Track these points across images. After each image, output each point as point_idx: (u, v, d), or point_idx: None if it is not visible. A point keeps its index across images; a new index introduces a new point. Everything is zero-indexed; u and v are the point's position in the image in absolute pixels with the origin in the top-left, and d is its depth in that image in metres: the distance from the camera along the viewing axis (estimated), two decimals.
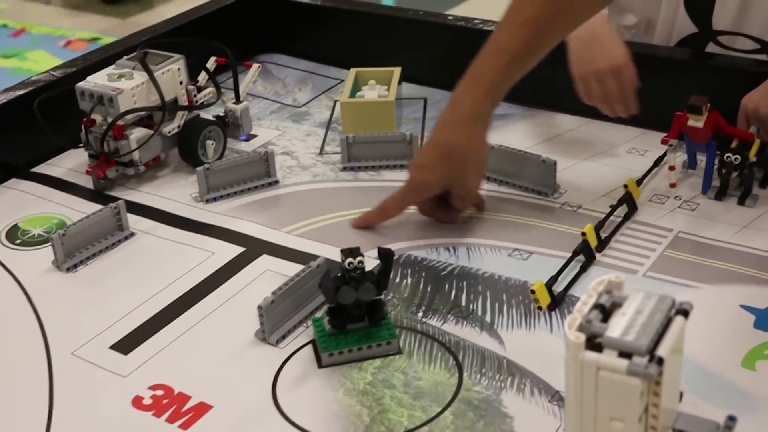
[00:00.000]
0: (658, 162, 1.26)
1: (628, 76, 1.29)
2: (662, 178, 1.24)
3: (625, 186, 1.18)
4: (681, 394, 0.74)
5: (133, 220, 1.20)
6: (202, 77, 1.37)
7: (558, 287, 1.04)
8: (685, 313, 0.68)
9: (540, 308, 1.00)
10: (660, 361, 0.64)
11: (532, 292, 1.00)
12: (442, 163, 1.13)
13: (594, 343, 0.67)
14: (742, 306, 1.01)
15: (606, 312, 0.69)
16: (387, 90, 1.40)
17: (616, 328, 0.66)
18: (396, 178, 1.29)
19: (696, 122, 1.19)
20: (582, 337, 0.66)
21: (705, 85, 1.26)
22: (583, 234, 1.09)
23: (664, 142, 1.21)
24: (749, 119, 1.23)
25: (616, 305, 0.69)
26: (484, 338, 0.99)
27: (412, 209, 1.19)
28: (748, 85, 1.25)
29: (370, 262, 0.98)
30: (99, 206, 1.19)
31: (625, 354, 0.65)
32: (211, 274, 1.11)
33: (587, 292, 0.70)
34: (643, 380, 0.65)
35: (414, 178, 1.16)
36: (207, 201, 1.25)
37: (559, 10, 1.10)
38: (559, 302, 1.02)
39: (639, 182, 1.22)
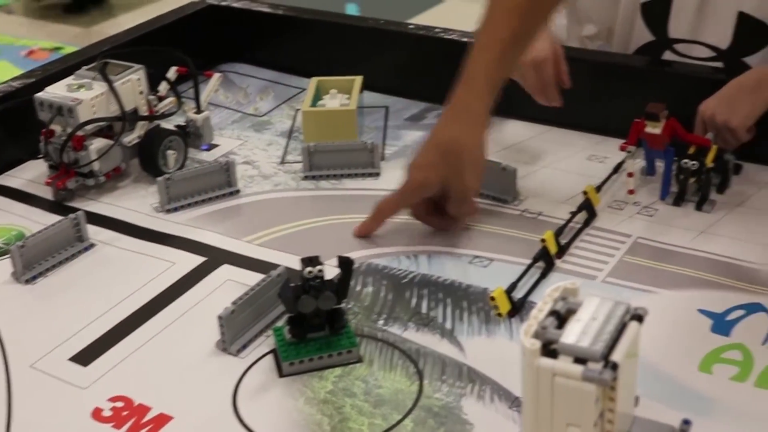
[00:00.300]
0: (617, 169, 1.27)
1: (548, 70, 1.30)
2: (621, 185, 1.25)
3: (585, 192, 1.19)
4: (637, 399, 0.75)
5: (93, 231, 1.20)
6: (163, 87, 1.36)
7: (518, 294, 1.05)
8: (640, 319, 0.69)
9: (500, 315, 1.01)
10: (614, 367, 0.65)
11: (492, 299, 1.01)
12: (440, 160, 1.12)
13: (549, 350, 0.67)
14: (700, 310, 1.02)
15: (561, 318, 0.69)
16: (348, 99, 1.40)
17: (571, 335, 0.67)
18: (358, 187, 1.30)
19: (654, 129, 1.20)
20: (537, 344, 0.66)
21: (663, 92, 1.28)
22: (543, 240, 1.10)
23: (622, 148, 1.22)
24: (706, 126, 1.24)
25: (572, 311, 0.69)
26: (445, 345, 0.99)
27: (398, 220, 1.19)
28: (706, 92, 1.26)
29: (331, 270, 0.98)
30: (58, 217, 1.18)
31: (580, 360, 0.66)
32: (171, 285, 1.10)
33: (543, 298, 0.70)
34: (598, 386, 0.65)
35: (413, 177, 1.14)
36: (168, 211, 1.25)
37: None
38: (518, 309, 1.03)
39: (598, 189, 1.23)
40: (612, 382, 0.65)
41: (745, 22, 1.37)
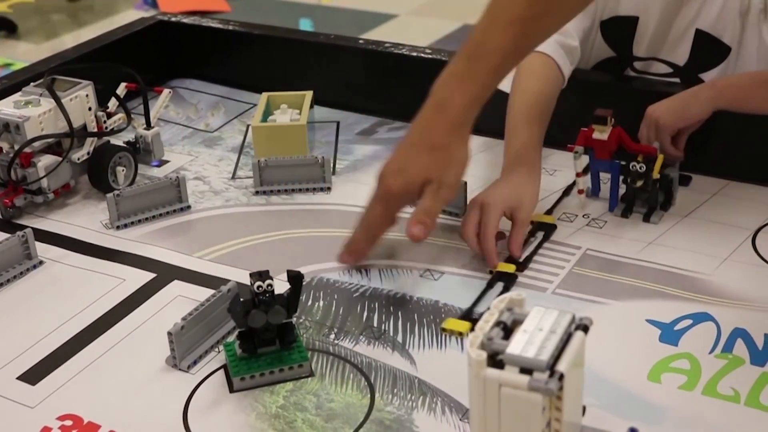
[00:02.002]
0: (567, 191, 1.29)
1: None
2: (571, 197, 1.26)
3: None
4: (584, 408, 0.75)
5: (42, 249, 1.19)
6: (113, 103, 1.36)
7: (479, 310, 1.06)
8: (585, 329, 0.70)
9: (461, 334, 1.02)
10: (560, 377, 0.66)
11: (443, 329, 1.02)
12: (423, 158, 1.07)
13: (496, 361, 0.68)
14: (648, 321, 1.03)
15: (508, 329, 0.70)
16: (299, 114, 1.40)
17: (516, 345, 0.67)
18: (309, 201, 1.30)
19: (601, 134, 1.21)
20: (483, 355, 0.67)
21: (621, 107, 1.29)
22: (491, 272, 1.12)
23: (569, 149, 1.22)
24: (649, 128, 1.26)
25: (518, 322, 0.70)
26: (396, 358, 0.99)
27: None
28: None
29: (282, 285, 0.98)
30: (6, 235, 1.17)
31: (526, 370, 0.66)
32: (121, 301, 1.10)
33: (489, 310, 0.71)
34: (544, 395, 0.66)
35: (394, 182, 1.08)
36: (118, 227, 1.24)
37: (545, 9, 1.08)
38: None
39: (549, 212, 1.25)
40: (558, 392, 0.66)
41: (701, 40, 1.39)
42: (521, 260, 1.14)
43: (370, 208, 1.11)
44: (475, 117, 1.09)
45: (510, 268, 1.12)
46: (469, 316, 1.04)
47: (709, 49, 1.39)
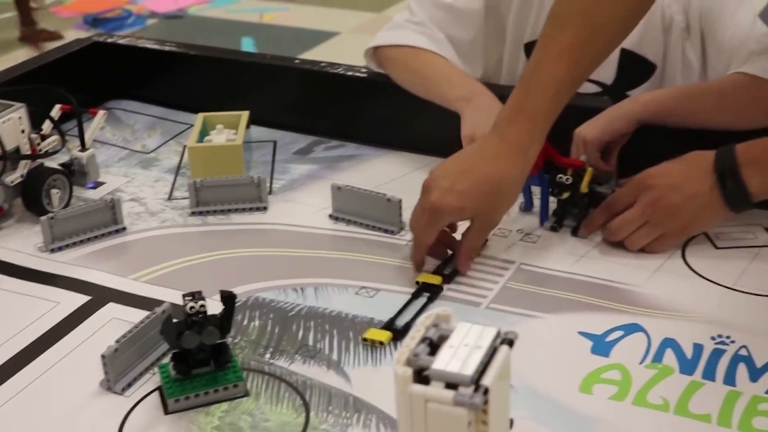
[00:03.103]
0: None
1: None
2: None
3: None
4: (511, 421, 0.76)
5: None
6: (47, 125, 1.35)
7: (402, 321, 1.06)
8: (510, 343, 0.71)
9: (381, 343, 1.03)
10: (485, 391, 0.66)
11: (365, 339, 1.03)
12: (482, 192, 1.11)
13: (422, 376, 0.68)
14: (580, 333, 1.05)
15: (434, 345, 0.70)
16: (235, 134, 1.40)
17: (442, 361, 0.68)
18: (245, 221, 1.30)
19: None
20: (409, 371, 0.67)
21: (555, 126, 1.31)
22: (417, 282, 1.13)
23: None
24: (578, 147, 1.28)
25: (444, 338, 0.71)
26: (331, 376, 1.00)
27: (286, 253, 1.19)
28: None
29: (218, 305, 0.98)
30: None
31: (451, 385, 0.67)
32: (55, 325, 1.09)
33: (415, 326, 0.72)
34: (469, 410, 0.67)
35: (449, 201, 1.11)
36: (52, 250, 1.23)
37: (590, 35, 1.11)
38: (403, 334, 1.04)
39: None
40: (483, 406, 0.67)
41: (627, 58, 1.42)
42: (449, 272, 1.15)
43: (417, 219, 1.14)
44: (535, 148, 1.12)
45: (436, 279, 1.13)
46: (390, 327, 1.05)
47: (634, 67, 1.43)
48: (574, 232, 1.23)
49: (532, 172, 1.23)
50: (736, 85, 1.27)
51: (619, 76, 1.44)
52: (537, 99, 1.11)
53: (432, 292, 1.12)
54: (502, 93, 1.28)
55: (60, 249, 1.24)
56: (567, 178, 1.20)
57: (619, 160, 1.30)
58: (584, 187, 1.21)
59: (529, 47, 1.46)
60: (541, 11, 1.42)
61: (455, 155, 1.16)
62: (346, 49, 4.07)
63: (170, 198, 1.37)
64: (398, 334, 1.04)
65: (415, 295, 1.11)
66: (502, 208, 1.15)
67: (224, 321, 0.96)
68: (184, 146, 1.50)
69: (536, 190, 1.27)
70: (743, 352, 1.00)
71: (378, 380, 0.99)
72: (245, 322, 1.08)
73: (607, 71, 1.44)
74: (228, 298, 0.95)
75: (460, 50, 1.47)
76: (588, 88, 1.45)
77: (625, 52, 1.42)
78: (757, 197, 1.12)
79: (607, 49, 1.16)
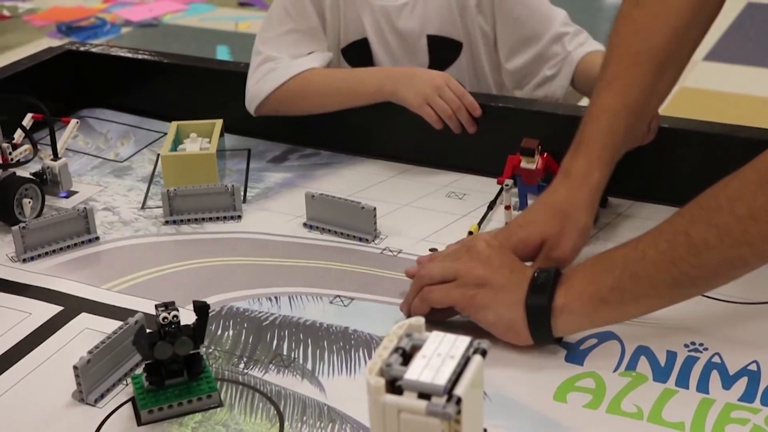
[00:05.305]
0: (492, 204, 1.30)
1: (449, 95, 1.39)
2: (497, 222, 1.28)
3: (470, 232, 1.22)
4: (485, 431, 0.76)
5: None
6: (18, 134, 1.34)
7: None
8: (483, 353, 0.71)
9: None
10: (458, 400, 0.66)
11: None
12: (544, 218, 1.10)
13: (395, 387, 0.68)
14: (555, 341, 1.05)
15: (406, 355, 0.70)
16: (209, 142, 1.40)
17: (415, 371, 0.68)
18: (219, 230, 1.29)
19: (529, 164, 1.24)
20: (381, 381, 0.67)
21: (513, 130, 1.31)
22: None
23: (499, 182, 1.25)
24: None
25: (417, 348, 0.71)
26: (306, 386, 0.99)
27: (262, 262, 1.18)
28: (552, 129, 1.31)
29: (192, 315, 0.97)
30: None
31: (424, 395, 0.67)
32: (27, 335, 1.08)
33: (388, 336, 0.72)
34: (442, 420, 0.66)
35: (516, 234, 1.09)
36: (24, 260, 1.22)
37: (630, 62, 1.13)
38: None
39: (479, 225, 1.26)
40: (456, 416, 0.66)
41: (434, 43, 1.53)
42: None
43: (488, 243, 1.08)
44: (599, 177, 1.12)
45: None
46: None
47: (443, 49, 1.53)
48: None
49: (531, 182, 1.24)
50: (594, 63, 1.40)
51: (432, 60, 1.54)
52: (590, 130, 1.13)
53: None
54: None
55: (32, 259, 1.23)
56: None
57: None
58: None
59: (346, 52, 1.56)
60: (346, 15, 1.53)
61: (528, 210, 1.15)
62: None
63: (144, 207, 1.36)
64: None
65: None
66: (570, 231, 1.10)
67: (197, 331, 0.95)
68: (158, 155, 1.49)
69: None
70: (716, 359, 1.01)
71: (352, 390, 0.99)
72: (219, 332, 1.08)
73: (421, 59, 1.54)
74: (201, 308, 0.95)
75: (324, 62, 1.53)
76: None
77: (432, 38, 1.53)
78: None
79: (653, 74, 1.15)
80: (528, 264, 1.07)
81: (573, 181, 1.12)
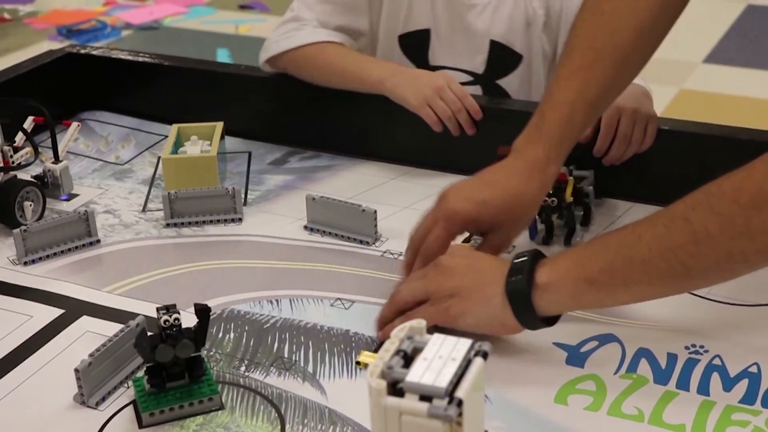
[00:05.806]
0: None
1: (450, 96, 1.39)
2: None
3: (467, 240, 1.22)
4: None
5: None
6: (19, 137, 1.34)
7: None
8: (485, 355, 0.71)
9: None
10: (459, 403, 0.66)
11: (358, 363, 1.02)
12: (495, 203, 1.09)
13: (397, 389, 0.68)
14: (555, 343, 1.05)
15: (408, 357, 0.70)
16: (209, 145, 1.40)
17: (416, 373, 0.68)
18: (220, 233, 1.30)
19: None
20: (383, 384, 0.67)
21: (515, 132, 1.31)
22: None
23: None
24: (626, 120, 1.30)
25: (418, 350, 0.71)
26: (307, 389, 0.99)
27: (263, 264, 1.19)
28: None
29: (193, 318, 0.97)
30: None
31: (425, 397, 0.67)
32: (28, 338, 1.08)
33: (390, 338, 0.72)
34: (443, 422, 0.67)
35: (462, 208, 1.09)
36: (25, 263, 1.23)
37: (594, 56, 1.13)
38: None
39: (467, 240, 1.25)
40: (458, 418, 0.67)
41: (496, 49, 1.52)
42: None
43: (424, 228, 1.11)
44: (552, 168, 1.12)
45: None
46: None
47: (503, 57, 1.52)
48: (567, 241, 1.23)
49: None
50: None
51: (489, 66, 1.52)
52: (551, 120, 1.12)
53: None
54: None
55: (33, 262, 1.23)
56: (552, 200, 1.21)
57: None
58: (568, 197, 1.21)
59: (402, 39, 1.53)
60: (412, 3, 1.51)
61: (476, 174, 1.15)
62: None
63: (144, 210, 1.36)
64: None
65: None
66: (519, 224, 1.13)
67: (199, 334, 0.95)
68: (159, 157, 1.49)
69: None
70: (717, 361, 1.01)
71: (353, 392, 0.99)
72: (220, 335, 1.08)
73: (478, 61, 1.52)
74: (202, 311, 0.95)
75: (351, 40, 1.53)
76: (460, 78, 1.51)
77: (494, 44, 1.51)
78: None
79: (616, 69, 1.15)
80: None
81: (531, 169, 1.11)
